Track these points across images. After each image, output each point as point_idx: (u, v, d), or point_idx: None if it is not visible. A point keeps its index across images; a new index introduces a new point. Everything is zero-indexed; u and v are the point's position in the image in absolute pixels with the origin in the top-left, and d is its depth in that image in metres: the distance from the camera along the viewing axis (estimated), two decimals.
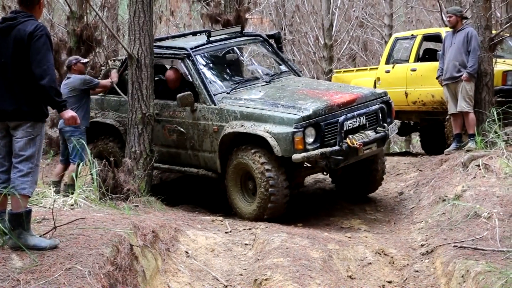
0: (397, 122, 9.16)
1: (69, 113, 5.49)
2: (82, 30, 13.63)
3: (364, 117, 8.46)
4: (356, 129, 8.39)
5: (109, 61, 11.36)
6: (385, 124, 8.64)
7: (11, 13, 5.57)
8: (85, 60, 10.10)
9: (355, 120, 8.35)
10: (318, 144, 8.10)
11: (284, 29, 22.90)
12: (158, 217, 7.71)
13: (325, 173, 9.23)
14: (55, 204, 6.89)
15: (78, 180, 8.22)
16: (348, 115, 8.29)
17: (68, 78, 9.74)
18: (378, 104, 8.69)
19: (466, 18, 10.85)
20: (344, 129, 8.20)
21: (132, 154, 9.14)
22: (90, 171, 8.33)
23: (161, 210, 8.55)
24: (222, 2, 14.11)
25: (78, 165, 8.84)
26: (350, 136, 8.20)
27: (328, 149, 8.05)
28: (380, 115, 8.65)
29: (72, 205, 7.42)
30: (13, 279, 4.81)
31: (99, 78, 10.58)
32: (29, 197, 5.45)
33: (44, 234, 5.62)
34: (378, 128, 8.58)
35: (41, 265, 5.04)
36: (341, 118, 8.20)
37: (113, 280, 5.22)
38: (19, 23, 5.36)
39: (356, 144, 8.15)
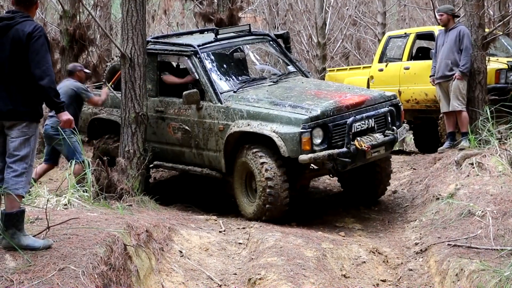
0: (406, 126, 8.95)
1: (66, 115, 5.50)
2: (75, 29, 13.60)
3: (373, 119, 8.28)
4: (365, 132, 8.20)
5: (115, 57, 11.26)
6: (394, 127, 8.44)
7: (7, 12, 5.55)
8: (88, 71, 10.00)
9: (363, 122, 8.16)
10: (326, 146, 7.93)
11: (277, 27, 22.90)
12: (152, 216, 7.69)
13: (331, 175, 9.10)
14: (48, 204, 6.87)
15: (73, 179, 8.19)
16: (357, 117, 8.09)
17: (66, 81, 9.64)
18: (387, 107, 8.50)
19: (457, 16, 10.85)
20: (352, 131, 8.01)
21: (126, 153, 9.11)
22: (84, 171, 8.30)
23: (154, 209, 8.53)
24: (215, 0, 14.08)
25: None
26: (358, 138, 8.02)
27: (336, 150, 7.88)
28: (389, 118, 8.45)
29: (65, 204, 7.39)
30: (7, 279, 4.80)
31: (104, 74, 10.58)
32: (23, 197, 5.45)
33: (37, 234, 5.60)
34: (387, 131, 8.39)
35: (35, 265, 5.02)
36: (349, 120, 8.00)
37: (107, 280, 5.22)
38: (17, 23, 5.35)
39: (364, 146, 7.96)
